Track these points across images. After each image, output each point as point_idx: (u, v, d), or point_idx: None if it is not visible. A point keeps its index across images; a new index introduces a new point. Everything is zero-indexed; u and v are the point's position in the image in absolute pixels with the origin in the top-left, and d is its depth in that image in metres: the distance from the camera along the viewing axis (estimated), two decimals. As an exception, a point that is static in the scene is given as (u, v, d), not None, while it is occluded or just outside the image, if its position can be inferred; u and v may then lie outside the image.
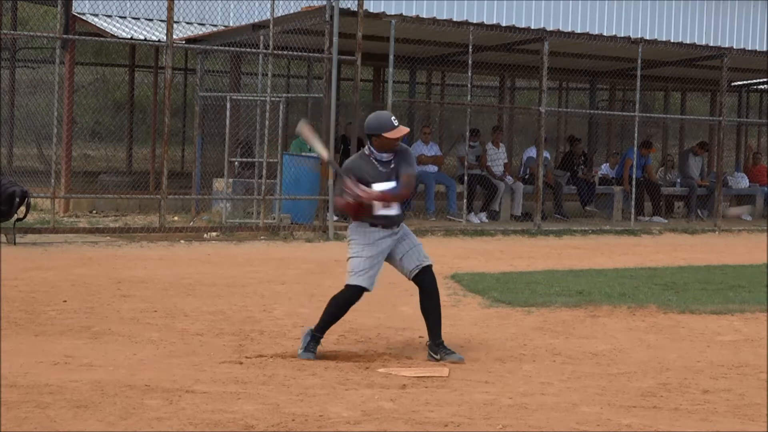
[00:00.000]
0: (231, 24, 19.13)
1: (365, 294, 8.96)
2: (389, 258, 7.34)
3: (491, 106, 25.38)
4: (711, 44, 20.56)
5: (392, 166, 7.24)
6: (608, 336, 8.36)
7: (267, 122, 15.75)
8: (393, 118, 7.25)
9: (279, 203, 15.78)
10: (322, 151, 7.25)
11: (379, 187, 7.13)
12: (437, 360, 7.23)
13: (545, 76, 17.76)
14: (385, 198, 7.12)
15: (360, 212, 7.17)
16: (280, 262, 12.49)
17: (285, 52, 16.42)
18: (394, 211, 7.21)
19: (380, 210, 7.15)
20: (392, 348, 7.61)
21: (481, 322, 8.87)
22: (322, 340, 7.34)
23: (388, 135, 7.13)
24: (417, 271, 7.30)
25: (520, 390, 6.40)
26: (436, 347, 7.30)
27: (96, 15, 18.70)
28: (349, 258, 7.30)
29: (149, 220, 16.04)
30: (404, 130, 7.19)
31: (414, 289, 10.43)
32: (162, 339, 7.68)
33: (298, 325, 8.25)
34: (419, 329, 8.06)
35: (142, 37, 17.93)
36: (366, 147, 7.32)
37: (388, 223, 7.23)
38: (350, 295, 7.28)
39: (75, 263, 11.78)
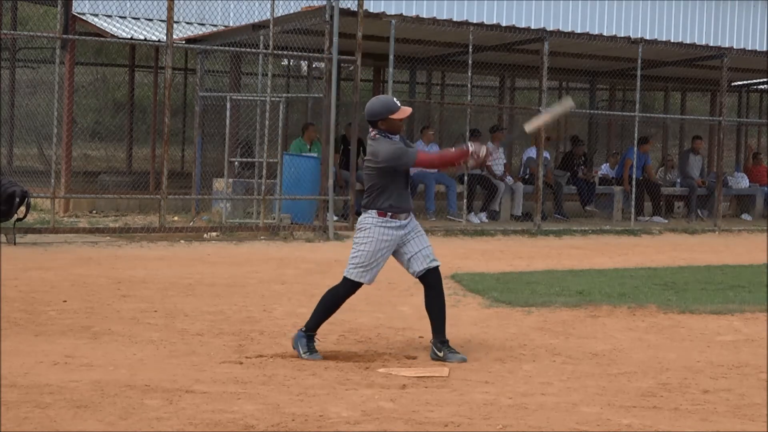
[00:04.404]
0: (231, 24, 19.14)
1: (364, 293, 8.94)
2: (396, 253, 7.26)
3: (491, 106, 25.38)
4: (711, 44, 20.57)
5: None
6: (608, 336, 8.36)
7: (267, 122, 15.75)
8: (396, 100, 7.25)
9: (279, 203, 15.78)
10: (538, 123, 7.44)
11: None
12: (440, 358, 7.19)
13: (545, 76, 17.76)
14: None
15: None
16: (280, 262, 12.49)
17: (285, 52, 16.42)
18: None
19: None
20: (392, 348, 7.60)
21: (481, 322, 8.87)
22: (322, 340, 7.33)
23: (394, 116, 7.12)
24: (424, 272, 7.26)
25: (520, 390, 6.40)
26: (440, 345, 7.24)
27: (96, 15, 18.71)
28: (355, 248, 7.21)
29: (149, 220, 16.04)
30: (408, 109, 7.20)
31: (414, 289, 10.47)
32: (162, 339, 7.68)
33: (298, 325, 8.25)
34: (419, 329, 8.07)
35: (142, 37, 17.93)
36: (374, 133, 7.17)
37: (397, 211, 7.15)
38: (347, 290, 7.23)
39: (75, 263, 11.78)
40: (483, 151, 7.12)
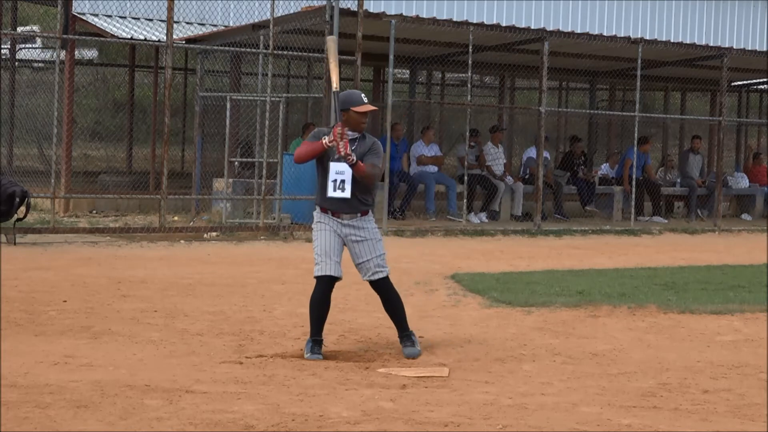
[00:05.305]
0: (231, 24, 19.14)
1: (364, 293, 8.95)
2: (348, 251, 7.43)
3: (491, 106, 25.39)
4: (711, 44, 20.57)
5: (353, 148, 7.29)
6: (608, 336, 8.36)
7: (267, 122, 15.75)
8: (363, 95, 7.43)
9: (279, 203, 15.78)
10: (335, 76, 7.27)
11: (333, 165, 7.20)
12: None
13: (545, 76, 17.76)
14: (347, 155, 7.12)
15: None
16: (280, 262, 12.49)
17: (285, 52, 16.42)
18: (345, 194, 7.24)
19: (331, 192, 7.23)
20: (392, 348, 7.60)
21: (481, 322, 8.87)
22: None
23: (356, 109, 7.28)
24: (369, 282, 7.44)
25: (520, 390, 6.40)
26: (402, 338, 7.52)
27: (96, 15, 18.71)
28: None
29: (149, 220, 16.04)
30: (371, 107, 7.37)
31: (414, 289, 10.49)
32: (162, 339, 7.68)
33: (298, 325, 8.26)
34: (419, 329, 8.07)
35: (142, 37, 17.93)
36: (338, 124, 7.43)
37: (335, 209, 7.30)
38: (320, 288, 7.32)
39: (75, 263, 11.78)
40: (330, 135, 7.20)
